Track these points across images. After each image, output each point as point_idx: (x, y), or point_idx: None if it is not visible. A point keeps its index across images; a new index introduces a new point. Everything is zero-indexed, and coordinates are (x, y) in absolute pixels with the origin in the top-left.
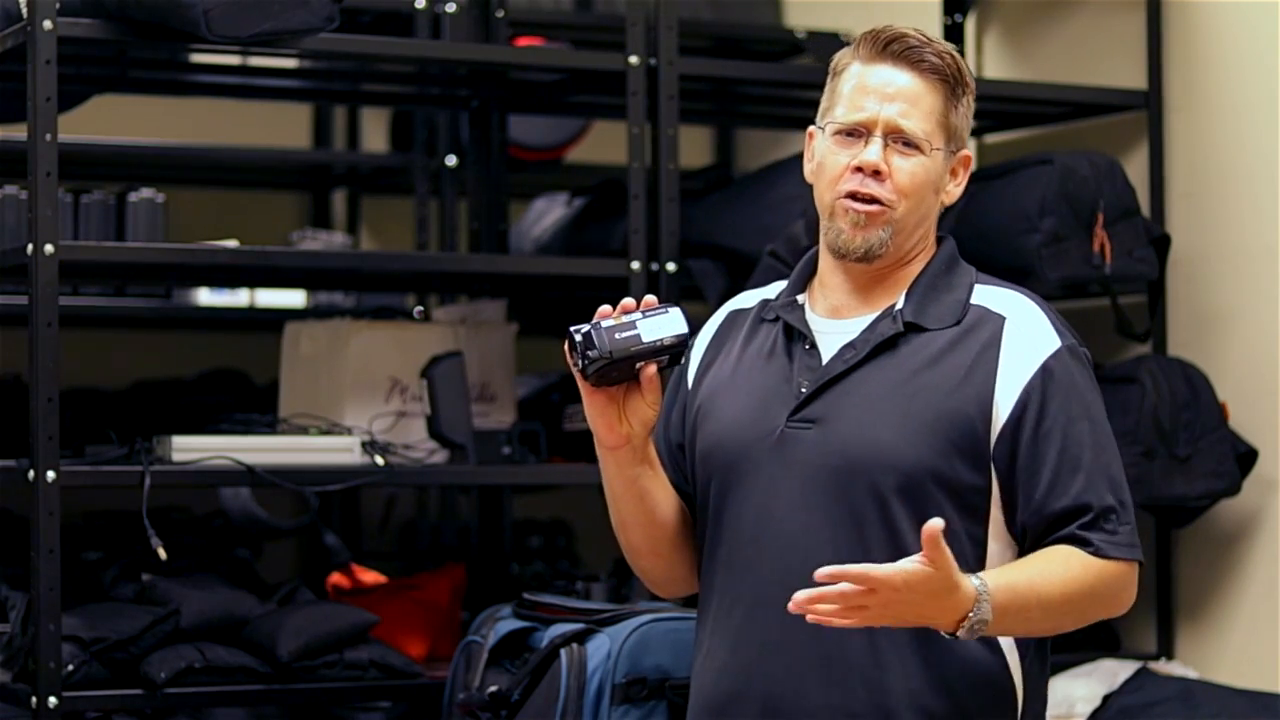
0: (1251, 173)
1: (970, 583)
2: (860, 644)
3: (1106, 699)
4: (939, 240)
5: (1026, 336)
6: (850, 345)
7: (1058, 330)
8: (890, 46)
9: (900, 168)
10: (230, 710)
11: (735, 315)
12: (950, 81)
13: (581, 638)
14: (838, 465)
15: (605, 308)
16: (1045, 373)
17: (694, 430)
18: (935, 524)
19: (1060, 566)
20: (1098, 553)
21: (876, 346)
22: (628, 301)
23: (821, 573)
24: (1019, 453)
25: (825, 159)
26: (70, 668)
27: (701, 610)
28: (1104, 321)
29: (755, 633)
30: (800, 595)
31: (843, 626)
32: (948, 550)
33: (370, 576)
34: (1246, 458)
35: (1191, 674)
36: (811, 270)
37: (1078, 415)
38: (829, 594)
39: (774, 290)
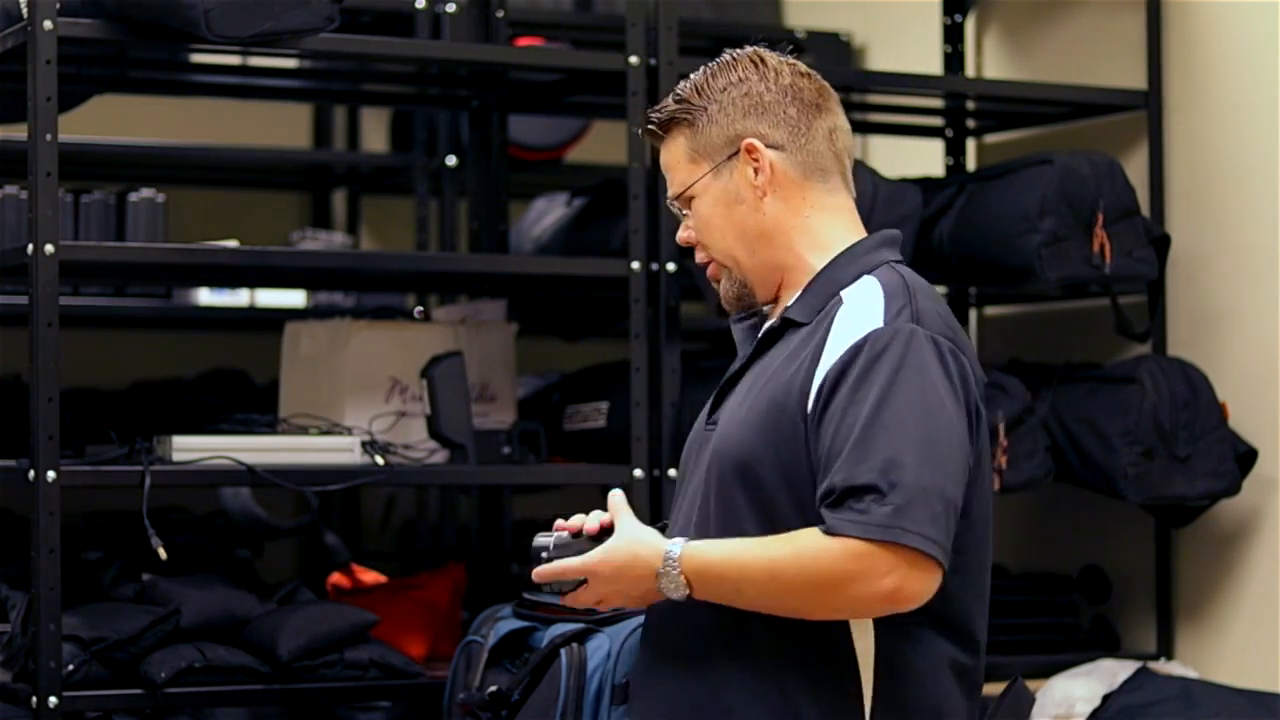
0: (1251, 173)
1: (661, 548)
2: (703, 639)
3: (1106, 699)
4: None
5: (852, 319)
6: (749, 348)
7: (887, 311)
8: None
9: (695, 225)
10: (230, 710)
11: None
12: (676, 119)
13: (581, 637)
14: (710, 461)
15: (560, 521)
16: (850, 352)
17: None
18: (615, 494)
19: (781, 542)
20: (829, 530)
21: (758, 345)
22: (587, 527)
23: (536, 575)
24: (818, 437)
25: None
26: (70, 667)
27: None
28: (1104, 321)
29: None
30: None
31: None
32: (623, 521)
33: (370, 576)
34: (1246, 458)
35: (1191, 674)
36: None
37: (863, 396)
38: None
39: None
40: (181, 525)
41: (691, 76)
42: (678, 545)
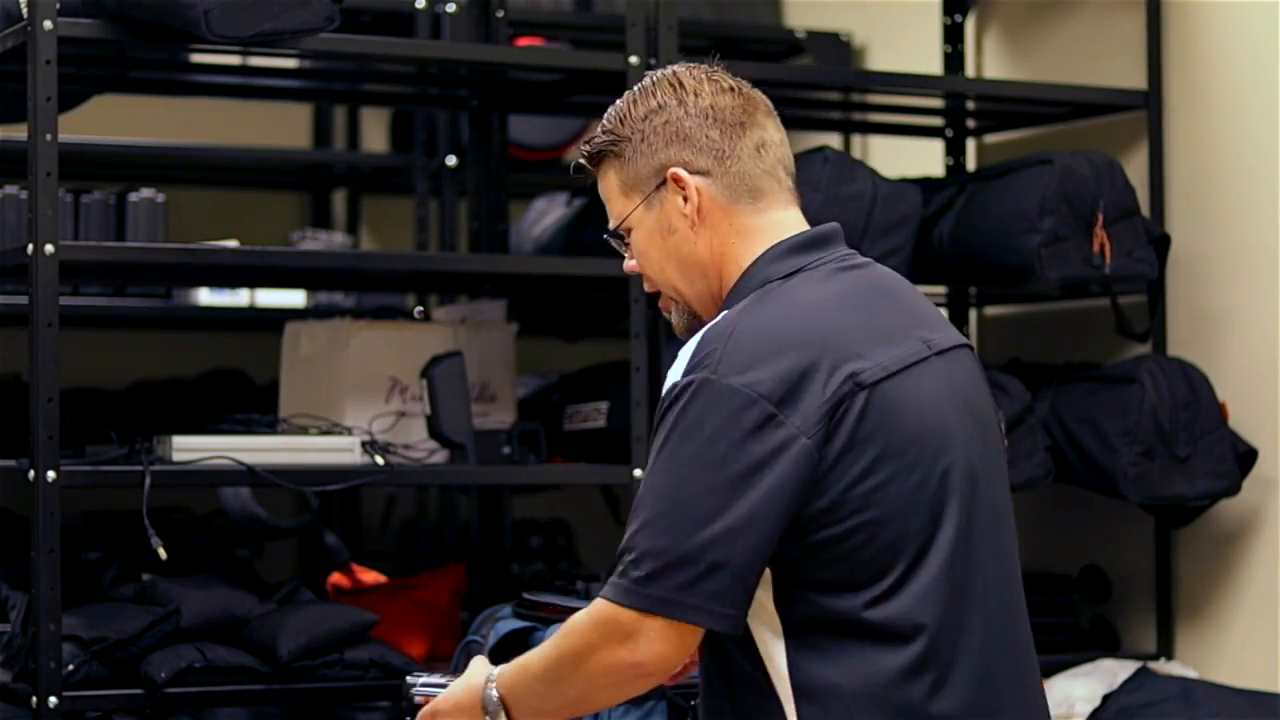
0: (1251, 173)
1: (480, 676)
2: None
3: (1106, 699)
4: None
5: (670, 374)
6: None
7: (689, 362)
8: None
9: (636, 256)
10: (230, 710)
11: None
12: (604, 153)
13: None
14: None
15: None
16: (658, 406)
17: None
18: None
19: (554, 637)
20: (601, 600)
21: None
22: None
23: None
24: None
25: None
26: (70, 667)
27: None
28: (1104, 321)
29: None
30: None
31: None
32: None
33: (370, 576)
34: (1246, 458)
35: (1191, 674)
36: None
37: (651, 454)
38: None
39: None
40: (181, 525)
41: (617, 104)
42: (492, 676)
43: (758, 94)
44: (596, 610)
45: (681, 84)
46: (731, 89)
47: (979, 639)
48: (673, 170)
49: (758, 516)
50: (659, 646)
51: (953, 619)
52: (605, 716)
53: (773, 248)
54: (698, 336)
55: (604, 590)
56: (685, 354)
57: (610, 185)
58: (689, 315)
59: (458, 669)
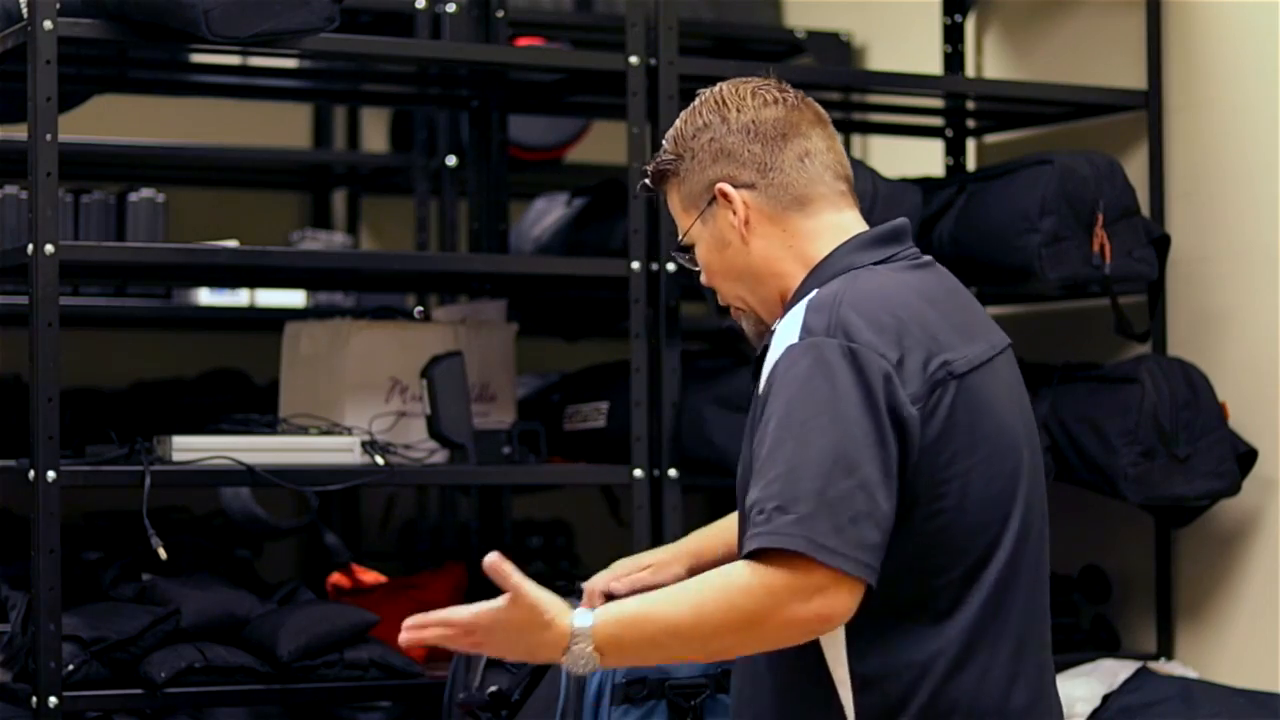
0: (1251, 173)
1: (574, 617)
2: (738, 672)
3: (1106, 699)
4: (864, 235)
5: (778, 341)
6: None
7: (804, 327)
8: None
9: (702, 270)
10: (230, 710)
11: None
12: (660, 174)
13: None
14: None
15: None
16: (769, 376)
17: None
18: (490, 558)
19: (695, 587)
20: (753, 556)
21: (754, 371)
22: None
23: (408, 622)
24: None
25: None
26: (70, 667)
27: None
28: (1104, 321)
29: None
30: (404, 638)
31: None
32: (526, 589)
33: (370, 576)
34: (1246, 458)
35: (1191, 674)
36: None
37: (771, 414)
38: (427, 634)
39: None
40: (181, 525)
41: (675, 124)
42: (586, 617)
43: (808, 104)
44: (762, 568)
45: (725, 101)
46: (777, 101)
47: (1023, 635)
48: (719, 185)
49: (889, 473)
50: (832, 601)
51: (1005, 613)
52: (604, 716)
53: (852, 239)
54: (802, 306)
55: (753, 537)
56: (794, 322)
57: (673, 203)
58: (757, 321)
59: (457, 669)
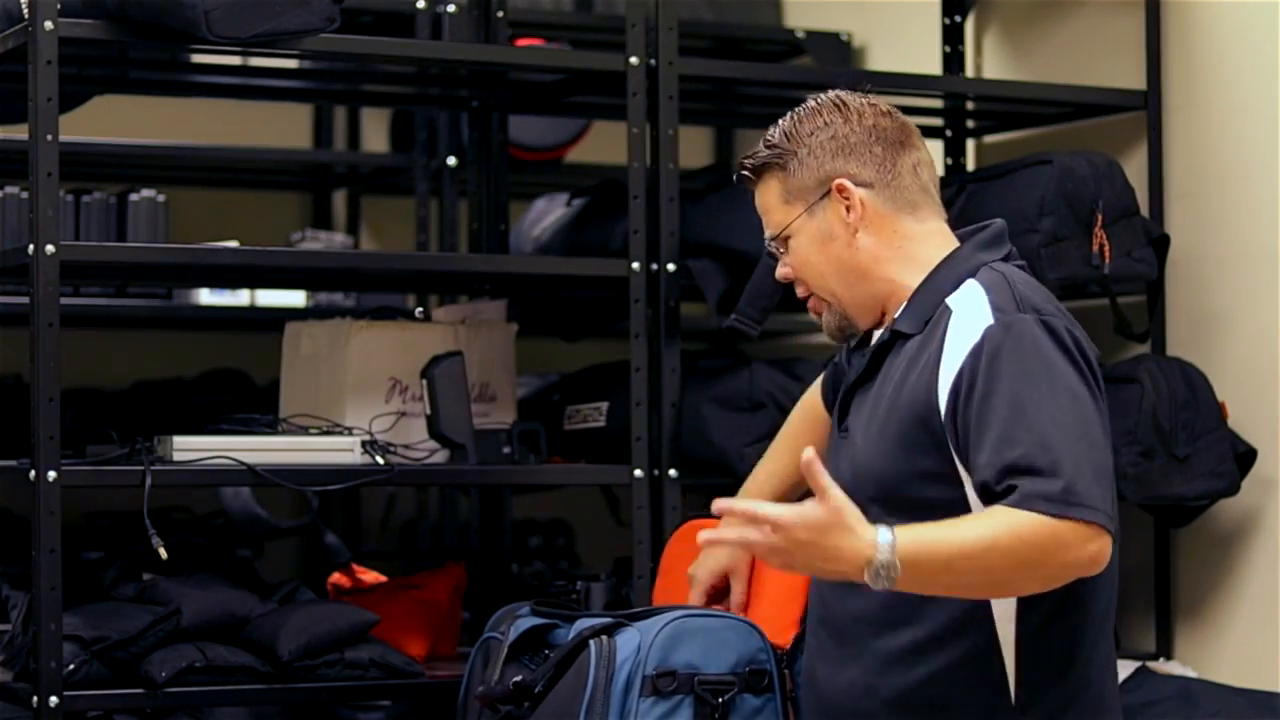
0: (1251, 173)
1: (876, 531)
2: (853, 623)
3: None
4: (969, 235)
5: (963, 324)
6: (863, 355)
7: (997, 308)
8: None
9: (793, 264)
10: (231, 710)
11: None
12: (767, 165)
13: (610, 630)
14: (848, 474)
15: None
16: (973, 354)
17: None
18: (807, 454)
19: (985, 518)
20: (1020, 506)
21: (873, 357)
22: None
23: (716, 506)
24: (959, 436)
25: None
26: (71, 667)
27: None
28: (1103, 321)
29: (812, 621)
30: (705, 535)
31: (776, 568)
32: (835, 491)
33: (370, 576)
34: (1245, 457)
35: (1190, 673)
36: None
37: (996, 389)
38: (726, 533)
39: None
40: (182, 525)
41: (779, 123)
42: (889, 529)
43: (908, 119)
44: (1049, 523)
45: (846, 105)
46: (889, 113)
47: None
48: (838, 180)
49: (1106, 430)
50: (1097, 552)
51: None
52: (633, 707)
53: (975, 239)
54: (974, 289)
55: (1028, 501)
56: (978, 304)
57: (771, 195)
58: (840, 317)
59: (474, 665)
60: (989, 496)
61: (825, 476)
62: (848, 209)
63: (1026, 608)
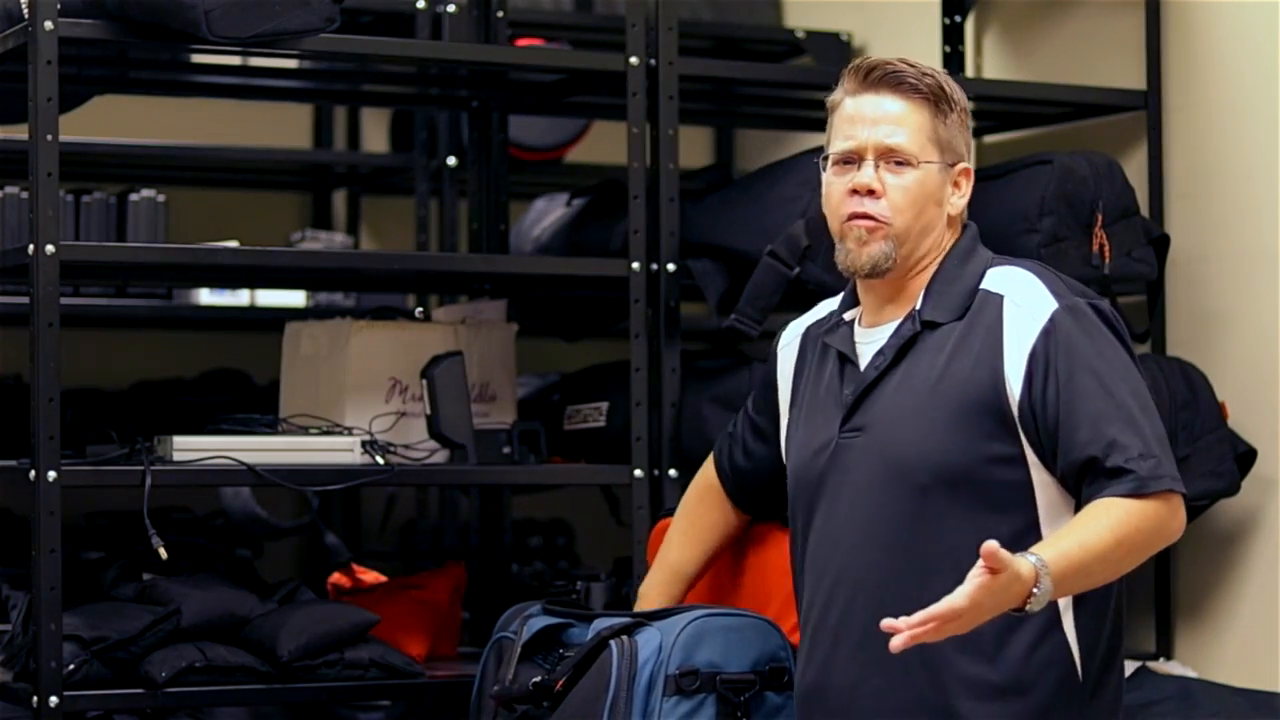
0: (1251, 173)
1: (1028, 562)
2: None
3: None
4: (963, 229)
5: (1025, 308)
6: (880, 352)
7: (1054, 293)
8: (872, 75)
9: (894, 184)
10: (231, 709)
11: (810, 331)
12: (933, 99)
13: (630, 630)
14: (882, 468)
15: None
16: (1044, 337)
17: (786, 447)
18: (990, 545)
19: (1104, 517)
20: (1132, 493)
21: (900, 349)
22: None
23: (886, 624)
24: (1039, 418)
25: (828, 189)
26: (71, 667)
27: (798, 611)
28: None
29: (828, 630)
30: (896, 641)
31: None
32: (1004, 554)
33: (370, 576)
34: (1245, 457)
35: (1190, 673)
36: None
37: (1078, 369)
38: (905, 644)
39: (836, 304)
40: (182, 525)
41: (931, 70)
42: (1036, 557)
43: None
44: (1155, 500)
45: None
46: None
47: None
48: (967, 167)
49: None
50: (1183, 515)
51: None
52: (656, 706)
53: (967, 234)
54: (1021, 275)
55: (1136, 483)
56: (1034, 290)
57: (918, 119)
58: (889, 254)
59: (487, 665)
60: (1093, 474)
61: (1002, 552)
62: (959, 195)
63: (1080, 597)
